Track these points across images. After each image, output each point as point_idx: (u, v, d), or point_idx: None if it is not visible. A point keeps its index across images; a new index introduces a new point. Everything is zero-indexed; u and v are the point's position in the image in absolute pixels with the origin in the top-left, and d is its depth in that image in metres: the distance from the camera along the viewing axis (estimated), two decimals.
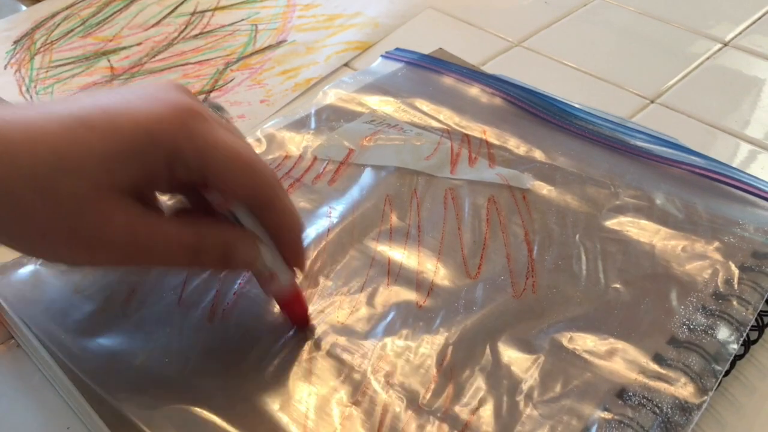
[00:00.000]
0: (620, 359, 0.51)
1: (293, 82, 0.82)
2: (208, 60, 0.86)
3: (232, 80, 0.83)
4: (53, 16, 0.94)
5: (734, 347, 0.52)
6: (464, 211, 0.63)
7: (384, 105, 0.75)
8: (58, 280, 0.57)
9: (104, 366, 0.51)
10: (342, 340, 0.53)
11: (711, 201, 0.63)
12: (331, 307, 0.55)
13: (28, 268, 0.58)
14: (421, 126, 0.72)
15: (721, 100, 0.79)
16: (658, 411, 0.48)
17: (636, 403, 0.49)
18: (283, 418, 0.49)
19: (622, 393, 0.49)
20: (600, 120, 0.72)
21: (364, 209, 0.63)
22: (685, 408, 0.48)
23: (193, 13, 0.95)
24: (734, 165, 0.69)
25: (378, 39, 0.90)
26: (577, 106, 0.74)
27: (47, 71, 0.85)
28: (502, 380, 0.51)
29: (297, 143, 0.71)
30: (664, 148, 0.68)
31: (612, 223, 0.61)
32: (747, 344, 0.54)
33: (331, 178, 0.66)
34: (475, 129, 0.72)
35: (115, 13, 0.95)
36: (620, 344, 0.52)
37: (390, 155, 0.68)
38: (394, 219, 0.62)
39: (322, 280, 0.57)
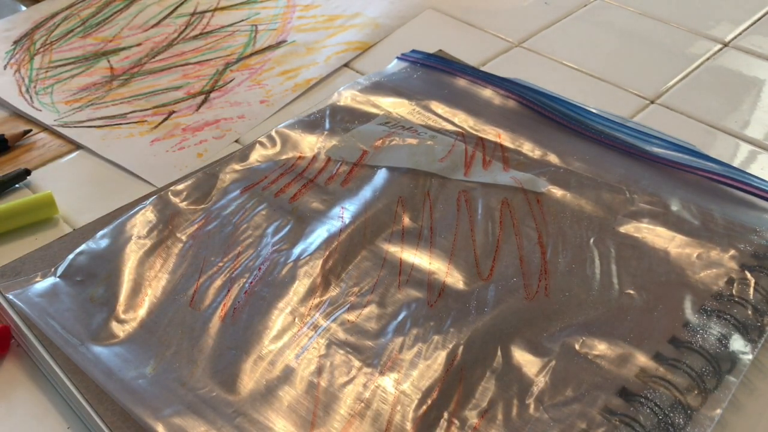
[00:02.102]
0: (632, 365, 0.51)
1: (293, 83, 0.82)
2: (207, 60, 0.86)
3: (231, 80, 0.83)
4: (53, 16, 0.94)
5: (749, 358, 0.52)
6: (477, 213, 0.63)
7: (398, 107, 0.75)
8: (75, 290, 0.58)
9: (118, 374, 0.52)
10: (352, 339, 0.53)
11: (728, 208, 0.63)
12: (341, 307, 0.55)
13: (47, 281, 0.58)
14: (436, 129, 0.72)
15: (721, 101, 0.79)
16: (668, 420, 0.48)
17: (647, 410, 0.49)
18: (292, 415, 0.49)
19: (632, 400, 0.49)
20: (616, 125, 0.72)
21: (377, 210, 0.63)
22: (695, 419, 0.49)
23: (193, 14, 0.94)
24: (734, 165, 0.70)
25: (378, 39, 0.90)
26: (592, 110, 0.74)
27: (47, 71, 0.84)
28: (512, 382, 0.51)
29: (311, 144, 0.71)
30: (682, 154, 0.68)
31: (626, 229, 0.61)
32: None
33: (345, 179, 0.66)
34: (490, 132, 0.72)
35: (114, 13, 0.94)
36: (632, 350, 0.52)
37: (403, 157, 0.68)
38: (406, 220, 0.62)
39: (333, 280, 0.58)
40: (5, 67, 0.86)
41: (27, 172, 0.70)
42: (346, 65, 0.86)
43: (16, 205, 0.65)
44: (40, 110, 0.79)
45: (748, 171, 0.67)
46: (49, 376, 0.54)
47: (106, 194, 0.69)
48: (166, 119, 0.77)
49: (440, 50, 0.85)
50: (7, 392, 0.53)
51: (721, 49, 0.87)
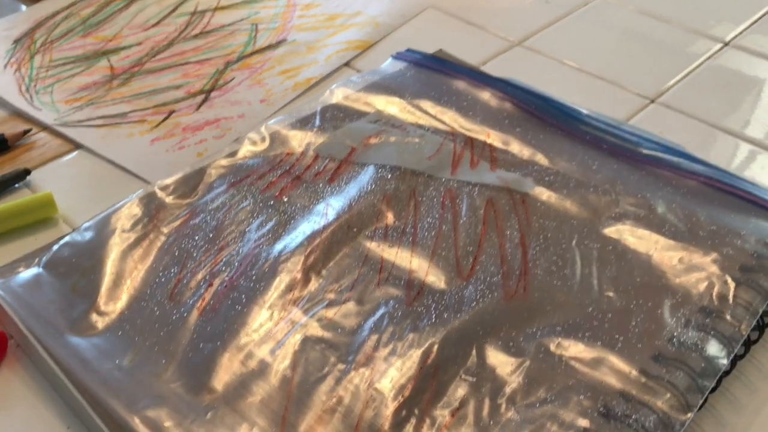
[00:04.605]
0: (606, 369, 0.51)
1: (293, 82, 0.82)
2: (208, 59, 0.86)
3: (232, 80, 0.83)
4: (53, 15, 0.95)
5: (723, 362, 0.51)
6: (461, 212, 0.62)
7: (390, 105, 0.75)
8: (58, 280, 0.58)
9: (94, 365, 0.52)
10: (328, 336, 0.53)
11: (714, 210, 0.62)
12: (320, 303, 0.56)
13: (30, 272, 0.59)
14: (426, 127, 0.72)
15: (721, 100, 0.79)
16: (639, 427, 0.48)
17: (619, 413, 0.48)
18: (264, 409, 0.49)
19: (605, 403, 0.49)
20: (607, 126, 0.71)
21: (361, 208, 0.62)
22: (667, 424, 0.48)
23: (193, 13, 0.95)
24: (734, 166, 0.70)
25: (378, 38, 0.90)
26: (584, 111, 0.73)
27: (47, 71, 0.85)
28: (485, 382, 0.50)
29: (300, 140, 0.71)
30: (671, 157, 0.67)
31: (610, 231, 0.61)
32: (747, 344, 0.54)
33: (331, 176, 0.66)
34: (480, 132, 0.71)
35: (115, 12, 0.95)
36: (607, 354, 0.52)
37: (391, 155, 0.68)
38: (390, 218, 0.62)
39: (313, 276, 0.58)
40: (5, 67, 0.86)
41: (27, 172, 0.70)
42: (346, 64, 0.86)
43: (16, 205, 0.66)
44: (40, 109, 0.79)
45: (747, 171, 0.67)
46: (49, 376, 0.54)
47: (106, 194, 0.69)
48: (166, 118, 0.78)
49: (440, 49, 0.85)
50: (6, 392, 0.54)
51: (721, 49, 0.86)
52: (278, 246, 0.60)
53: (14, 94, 0.81)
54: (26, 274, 0.59)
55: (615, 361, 0.51)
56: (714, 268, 0.57)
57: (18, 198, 0.67)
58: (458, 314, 0.54)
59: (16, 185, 0.70)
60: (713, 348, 0.52)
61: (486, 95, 0.76)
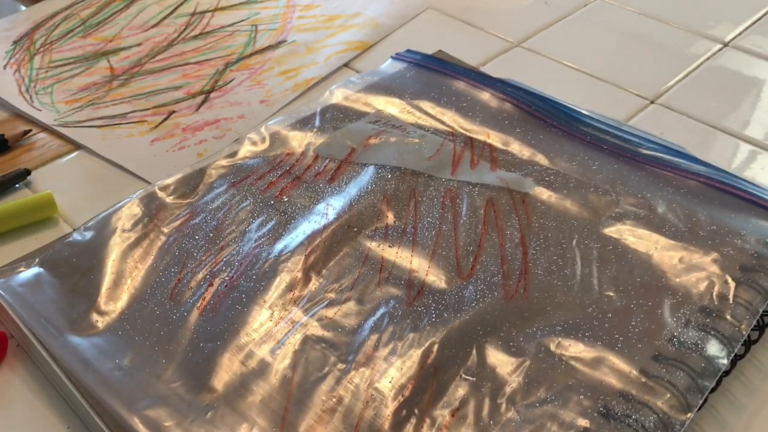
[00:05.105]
0: (606, 368, 0.51)
1: (293, 83, 0.82)
2: (207, 60, 0.86)
3: (231, 80, 0.83)
4: (53, 16, 0.95)
5: (724, 362, 0.51)
6: (461, 212, 0.62)
7: (390, 106, 0.75)
8: (58, 280, 0.58)
9: (94, 365, 0.52)
10: (329, 335, 0.53)
11: (715, 210, 0.62)
12: (320, 303, 0.56)
13: (31, 271, 0.59)
14: (426, 128, 0.72)
15: (721, 101, 0.79)
16: (639, 427, 0.48)
17: (619, 413, 0.48)
18: (264, 409, 0.49)
19: (605, 403, 0.49)
20: (607, 127, 0.71)
21: (362, 208, 0.62)
22: (667, 424, 0.48)
23: (193, 14, 0.95)
24: (734, 166, 0.70)
25: (378, 39, 0.90)
26: (585, 112, 0.73)
27: (47, 71, 0.85)
28: (485, 382, 0.50)
29: (300, 141, 0.71)
30: (671, 157, 0.67)
31: (610, 231, 0.61)
32: (747, 344, 0.54)
33: (332, 177, 0.66)
34: (480, 132, 0.71)
35: (115, 13, 0.95)
36: (607, 354, 0.52)
37: (391, 155, 0.68)
38: (390, 218, 0.62)
39: (313, 276, 0.58)
40: (5, 67, 0.86)
41: (27, 172, 0.70)
42: (346, 65, 0.86)
43: (16, 205, 0.66)
44: (40, 110, 0.79)
45: (747, 171, 0.67)
46: (49, 376, 0.54)
47: (106, 194, 0.69)
48: (166, 119, 0.78)
49: (440, 50, 0.85)
50: (6, 392, 0.54)
51: (721, 49, 0.87)
52: (278, 246, 0.60)
53: (14, 95, 0.81)
54: (27, 273, 0.59)
55: (615, 360, 0.51)
56: (714, 268, 0.57)
57: (18, 198, 0.67)
58: (458, 314, 0.54)
59: (17, 185, 0.70)
60: (713, 348, 0.52)
61: (486, 96, 0.76)
